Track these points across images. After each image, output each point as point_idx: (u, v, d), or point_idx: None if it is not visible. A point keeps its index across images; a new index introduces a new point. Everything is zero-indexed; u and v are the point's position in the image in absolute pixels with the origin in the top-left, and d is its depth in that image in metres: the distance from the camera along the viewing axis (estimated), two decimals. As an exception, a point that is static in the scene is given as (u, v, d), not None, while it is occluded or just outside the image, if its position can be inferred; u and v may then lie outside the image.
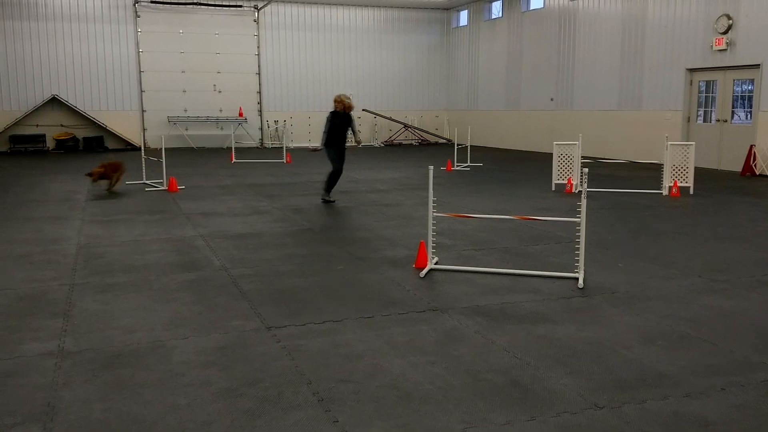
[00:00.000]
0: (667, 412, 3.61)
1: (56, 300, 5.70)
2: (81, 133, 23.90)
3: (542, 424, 3.48)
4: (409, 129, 27.24)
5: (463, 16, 27.17)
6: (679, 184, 12.26)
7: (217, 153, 22.75)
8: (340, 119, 11.15)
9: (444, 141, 27.40)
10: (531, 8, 23.12)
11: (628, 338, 4.75)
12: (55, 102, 23.45)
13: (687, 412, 3.61)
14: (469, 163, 17.89)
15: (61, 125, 23.75)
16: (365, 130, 27.48)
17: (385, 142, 27.13)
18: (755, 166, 15.30)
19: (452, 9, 27.70)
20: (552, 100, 22.24)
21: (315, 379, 4.03)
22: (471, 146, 20.06)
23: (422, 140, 27.58)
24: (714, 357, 4.41)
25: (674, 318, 5.21)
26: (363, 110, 26.80)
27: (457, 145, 19.87)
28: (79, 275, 6.54)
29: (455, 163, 17.48)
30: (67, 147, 23.50)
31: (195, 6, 24.69)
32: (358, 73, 27.19)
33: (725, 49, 16.01)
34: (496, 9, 25.09)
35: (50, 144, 23.55)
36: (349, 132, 11.39)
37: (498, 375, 4.11)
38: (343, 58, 26.95)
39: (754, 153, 15.30)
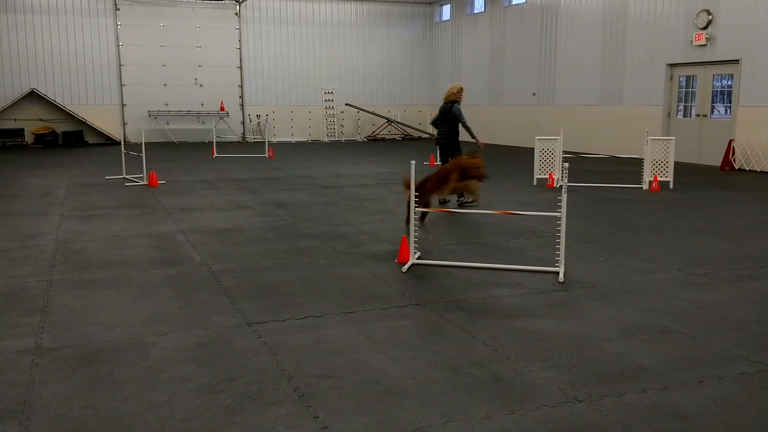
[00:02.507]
0: (645, 405, 3.63)
1: (34, 296, 5.63)
2: (60, 127, 23.63)
3: (522, 417, 3.49)
4: (393, 124, 27.22)
5: (446, 11, 27.17)
6: (659, 179, 12.35)
7: (199, 147, 22.59)
8: None
9: (427, 136, 27.39)
10: (513, 3, 23.16)
11: (608, 332, 4.78)
12: (33, 96, 23.16)
13: (665, 405, 3.63)
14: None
15: (40, 119, 23.47)
16: (349, 125, 27.43)
17: (369, 136, 27.10)
18: (734, 160, 15.46)
19: (435, 3, 27.69)
20: (534, 95, 22.31)
21: (296, 375, 4.01)
22: (454, 141, 20.02)
23: (405, 135, 27.57)
24: (693, 350, 4.45)
25: (654, 311, 5.25)
26: (346, 104, 26.75)
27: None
28: (57, 271, 6.46)
29: (438, 158, 17.47)
30: (46, 141, 23.23)
31: (176, -1, 24.50)
32: (341, 67, 27.11)
33: (705, 45, 16.14)
34: (479, 4, 25.11)
35: (29, 138, 23.27)
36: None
37: (479, 369, 4.11)
38: (325, 53, 26.86)
39: (733, 147, 15.45)
